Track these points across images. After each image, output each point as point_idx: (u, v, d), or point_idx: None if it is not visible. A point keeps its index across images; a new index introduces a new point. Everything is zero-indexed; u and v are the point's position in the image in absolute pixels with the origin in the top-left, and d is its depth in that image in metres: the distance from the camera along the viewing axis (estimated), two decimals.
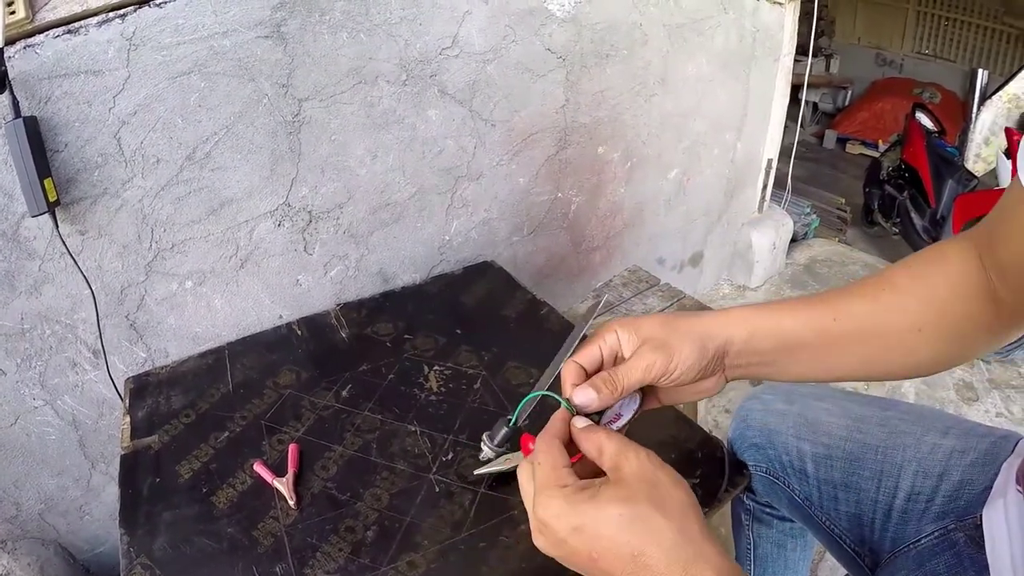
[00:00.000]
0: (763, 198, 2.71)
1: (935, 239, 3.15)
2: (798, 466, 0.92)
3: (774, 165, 2.66)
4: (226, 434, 0.97)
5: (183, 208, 1.15)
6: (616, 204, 2.00)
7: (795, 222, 3.03)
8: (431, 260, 1.54)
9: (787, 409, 0.97)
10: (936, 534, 0.76)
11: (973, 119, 3.16)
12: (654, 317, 0.61)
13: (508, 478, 0.88)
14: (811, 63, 3.00)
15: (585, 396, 0.56)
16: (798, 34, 2.44)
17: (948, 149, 3.28)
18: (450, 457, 0.93)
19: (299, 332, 1.21)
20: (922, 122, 3.44)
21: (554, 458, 0.51)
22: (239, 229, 1.20)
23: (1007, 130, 2.86)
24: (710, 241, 2.54)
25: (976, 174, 3.16)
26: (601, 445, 0.51)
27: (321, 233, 1.30)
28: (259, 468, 0.88)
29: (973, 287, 0.59)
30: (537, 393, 0.61)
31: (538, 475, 0.50)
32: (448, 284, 1.41)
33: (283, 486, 0.85)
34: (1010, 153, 2.77)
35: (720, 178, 2.40)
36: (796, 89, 2.69)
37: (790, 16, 2.32)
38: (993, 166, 3.09)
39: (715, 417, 2.24)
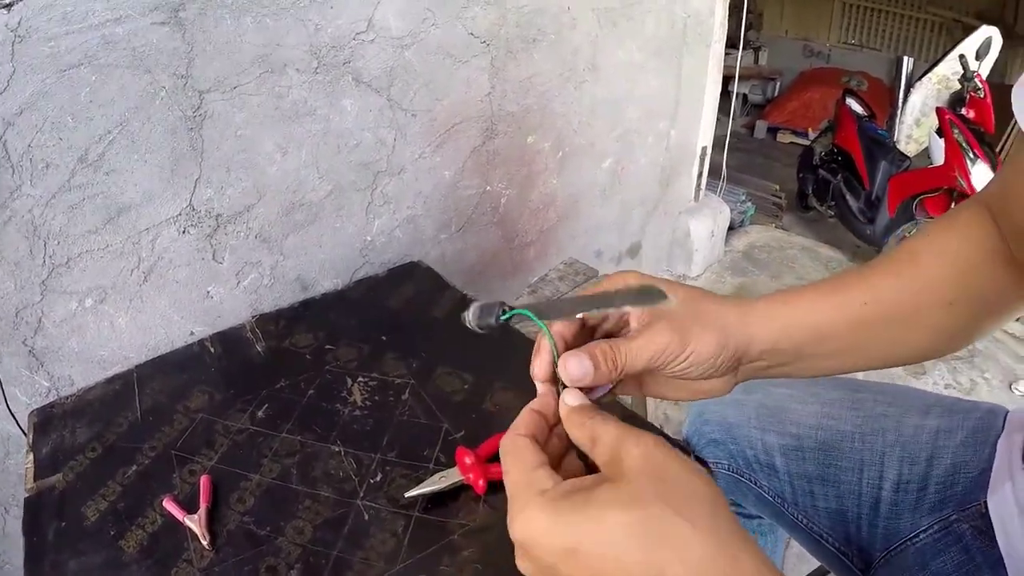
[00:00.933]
0: (699, 186, 2.78)
1: (871, 220, 3.33)
2: (765, 460, 0.88)
3: (708, 153, 2.74)
4: (134, 468, 0.92)
5: (77, 217, 1.09)
6: (549, 196, 2.01)
7: (731, 210, 3.14)
8: (353, 263, 1.51)
9: (746, 399, 0.93)
10: (936, 528, 0.72)
11: (900, 104, 3.35)
12: (676, 286, 0.52)
13: (444, 498, 0.86)
14: (740, 55, 3.16)
15: (580, 368, 0.46)
16: (727, 28, 2.53)
17: (879, 132, 3.47)
18: (379, 479, 0.90)
19: (212, 349, 1.16)
20: (852, 107, 3.64)
21: (523, 459, 0.42)
22: (140, 238, 1.15)
23: (939, 110, 3.05)
24: (648, 231, 2.59)
25: (908, 155, 3.37)
26: (595, 432, 0.42)
27: (230, 239, 1.26)
28: (169, 505, 0.84)
29: (994, 253, 0.57)
30: (534, 316, 0.50)
31: (508, 486, 0.41)
32: (372, 288, 1.38)
33: (195, 524, 0.81)
34: (942, 132, 2.93)
35: (655, 167, 2.44)
36: (726, 81, 2.83)
37: (720, 2, 2.40)
38: (925, 146, 3.29)
39: (665, 411, 2.28)
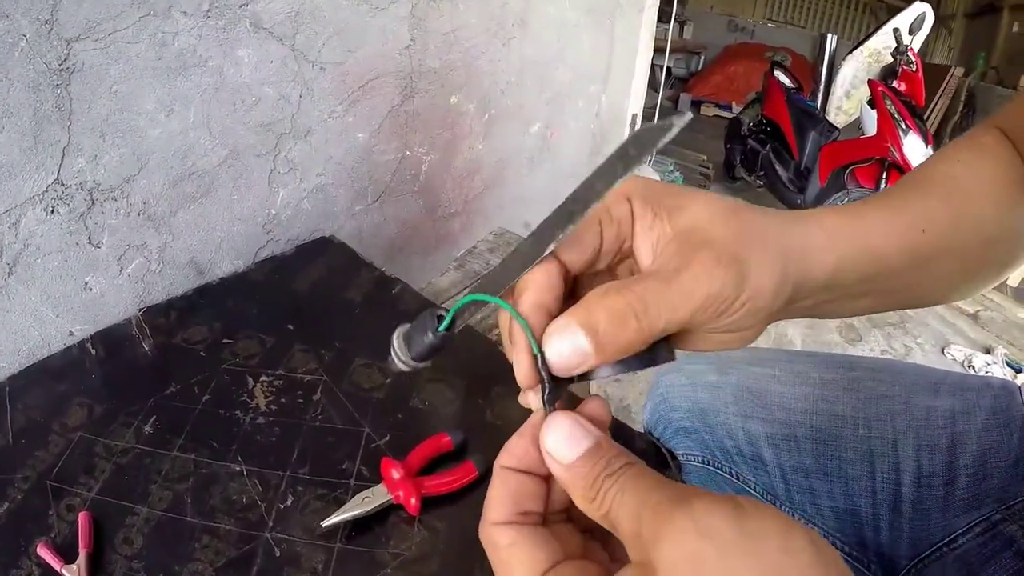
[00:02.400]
0: None
1: (801, 189, 3.50)
2: (750, 452, 0.82)
3: (639, 121, 2.76)
4: (6, 505, 0.80)
5: None
6: (474, 162, 1.94)
7: (660, 179, 3.18)
8: (255, 241, 1.39)
9: (722, 381, 0.87)
10: (978, 530, 0.66)
11: (823, 79, 3.57)
12: (698, 194, 0.38)
13: (371, 523, 0.79)
14: (670, 28, 3.29)
15: (571, 344, 0.32)
16: None
17: (807, 103, 3.66)
18: (289, 503, 0.82)
19: (93, 351, 1.04)
20: (781, 79, 3.83)
21: (526, 566, 0.31)
22: (0, 223, 1.00)
23: (871, 82, 3.23)
24: None
25: (838, 125, 3.54)
26: (611, 512, 0.30)
27: (108, 218, 1.12)
28: (44, 552, 0.73)
29: (1019, 175, 0.54)
30: (482, 297, 0.37)
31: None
32: (277, 268, 1.28)
33: (74, 575, 0.71)
34: (874, 104, 3.10)
35: (586, 133, 2.42)
36: (653, 54, 2.90)
37: None
38: (854, 117, 3.51)
39: (620, 397, 2.26)
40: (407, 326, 0.41)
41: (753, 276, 0.35)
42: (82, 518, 0.77)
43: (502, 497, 0.33)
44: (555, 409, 0.34)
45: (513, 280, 0.36)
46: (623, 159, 0.32)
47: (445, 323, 0.39)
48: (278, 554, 0.76)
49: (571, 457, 0.31)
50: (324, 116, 1.44)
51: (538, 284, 0.35)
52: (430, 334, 0.39)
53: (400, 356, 0.41)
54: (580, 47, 2.17)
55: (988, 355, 2.89)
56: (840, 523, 0.76)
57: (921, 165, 0.54)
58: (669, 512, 0.27)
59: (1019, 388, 0.73)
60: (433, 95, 1.69)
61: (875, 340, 2.90)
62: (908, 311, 3.10)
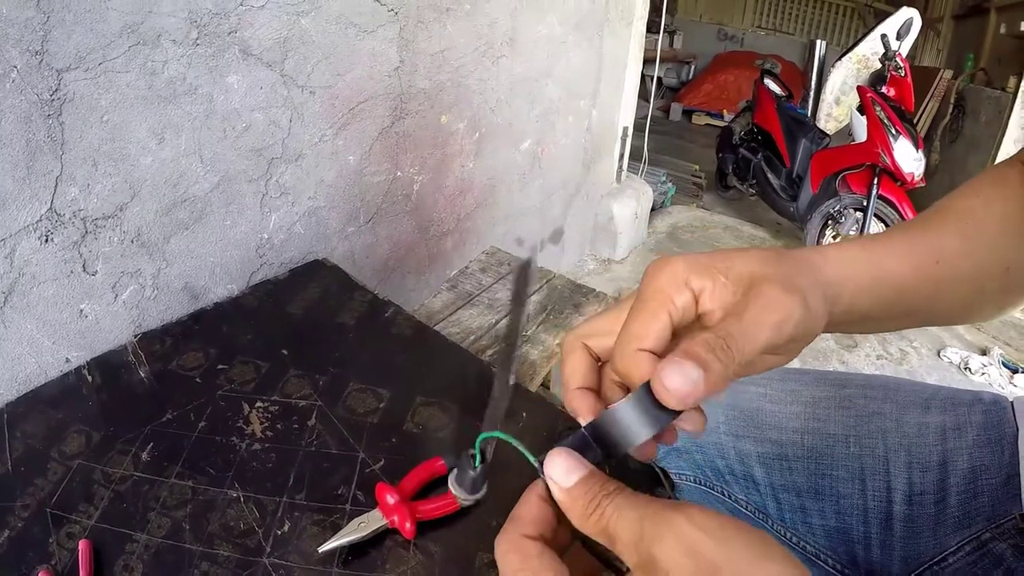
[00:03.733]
0: (620, 168, 2.82)
1: (793, 197, 3.52)
2: (741, 471, 0.82)
3: (630, 133, 2.78)
4: (7, 534, 0.81)
5: None
6: (465, 181, 1.96)
7: (652, 191, 3.20)
8: (249, 265, 1.40)
9: (712, 401, 0.89)
10: (968, 548, 0.67)
11: (813, 86, 3.60)
12: (741, 252, 0.43)
13: (367, 547, 0.80)
14: (661, 39, 3.32)
15: (682, 377, 0.35)
16: (648, 8, 2.63)
17: (798, 111, 3.68)
18: (286, 528, 0.82)
19: (90, 378, 1.06)
20: (771, 87, 3.86)
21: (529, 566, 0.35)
22: None
23: (860, 88, 3.25)
24: (570, 216, 2.58)
25: (828, 132, 3.56)
26: (610, 528, 0.35)
27: (102, 245, 1.13)
28: None
29: None
30: (494, 434, 0.46)
31: None
32: (271, 292, 1.30)
33: None
34: (864, 110, 3.12)
35: (577, 148, 2.44)
36: (643, 64, 2.92)
37: None
38: (844, 124, 3.52)
39: None
40: (455, 472, 0.51)
41: (810, 301, 0.40)
42: (82, 546, 0.78)
43: (534, 517, 0.38)
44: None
45: (502, 412, 0.46)
46: (518, 298, 0.45)
47: (476, 461, 0.51)
48: None
49: (570, 483, 0.37)
50: (314, 140, 1.46)
51: (641, 360, 0.40)
52: (470, 471, 0.52)
53: (461, 496, 0.53)
54: (569, 63, 2.20)
55: (984, 356, 2.90)
56: (831, 541, 0.77)
57: (944, 198, 0.58)
58: (669, 515, 0.32)
59: (1011, 404, 0.73)
60: (423, 115, 1.71)
61: (871, 346, 2.91)
62: None
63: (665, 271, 0.42)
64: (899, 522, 0.71)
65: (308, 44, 1.37)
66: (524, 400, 1.02)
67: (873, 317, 0.50)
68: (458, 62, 1.74)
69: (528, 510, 0.39)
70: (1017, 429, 0.69)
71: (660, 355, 0.40)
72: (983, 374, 2.80)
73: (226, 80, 1.25)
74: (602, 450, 0.40)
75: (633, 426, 0.38)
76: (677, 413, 0.37)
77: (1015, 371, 2.83)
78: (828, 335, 2.92)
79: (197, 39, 1.18)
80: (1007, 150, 2.99)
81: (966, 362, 2.85)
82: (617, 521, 0.34)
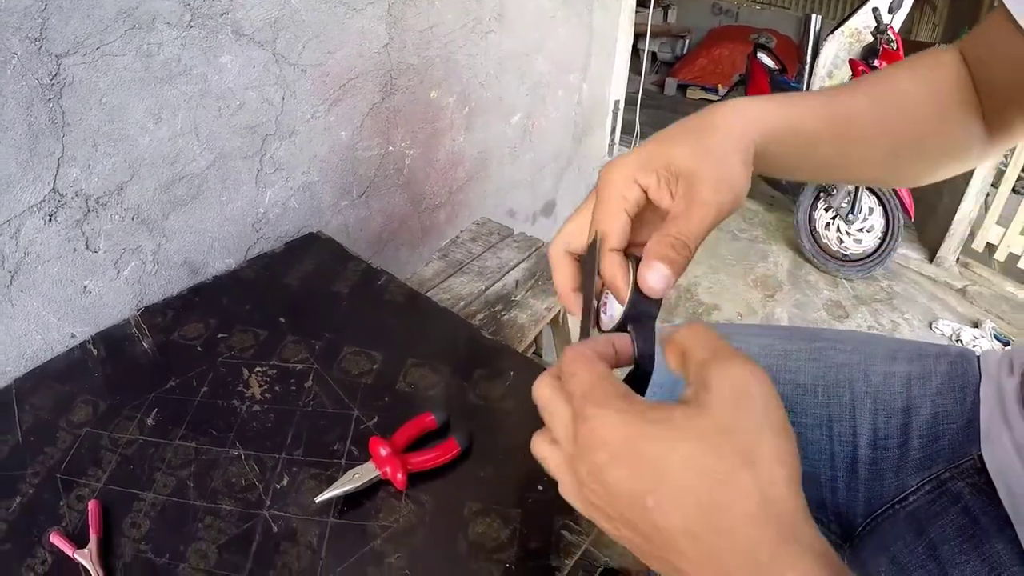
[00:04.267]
0: (612, 141, 2.83)
1: None
2: None
3: (621, 107, 2.80)
4: (18, 500, 0.87)
5: None
6: (456, 155, 2.00)
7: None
8: (246, 240, 1.46)
9: None
10: (928, 487, 0.70)
11: (808, 60, 3.60)
12: (673, 142, 0.50)
13: (361, 498, 0.86)
14: (651, 13, 3.30)
15: (659, 274, 0.45)
16: None
17: (791, 84, 3.68)
18: (285, 483, 0.89)
19: (95, 351, 1.12)
20: (764, 61, 3.84)
21: (595, 366, 0.41)
22: (1, 232, 1.06)
23: (852, 62, 3.27)
24: (562, 189, 2.61)
25: None
26: (687, 346, 0.41)
27: (104, 223, 1.19)
28: (56, 539, 0.80)
29: (966, 93, 0.62)
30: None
31: (576, 385, 0.40)
32: (268, 265, 1.35)
33: (86, 560, 0.78)
34: None
35: (567, 122, 2.47)
36: (636, 39, 2.94)
37: None
38: None
39: None
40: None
41: (739, 182, 0.48)
42: (91, 506, 0.84)
43: (601, 343, 0.45)
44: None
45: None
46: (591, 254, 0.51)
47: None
48: (276, 530, 0.83)
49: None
50: (307, 116, 1.50)
51: (615, 264, 0.49)
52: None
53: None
54: (558, 38, 2.22)
55: (976, 329, 2.93)
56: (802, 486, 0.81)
57: (879, 70, 0.65)
58: (740, 360, 0.39)
59: (977, 357, 0.76)
60: (413, 91, 1.75)
61: (862, 316, 2.95)
62: (895, 288, 3.15)
63: (615, 173, 0.50)
64: (864, 465, 0.75)
65: (298, 23, 1.40)
66: (511, 361, 1.08)
67: (790, 165, 0.58)
68: (447, 38, 1.77)
69: (595, 342, 0.45)
70: (980, 378, 0.73)
71: (626, 247, 0.49)
72: (974, 347, 2.82)
73: (220, 60, 1.28)
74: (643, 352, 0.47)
75: (646, 313, 0.47)
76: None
77: (1007, 344, 2.86)
78: (821, 307, 2.97)
79: (191, 21, 1.21)
80: None
81: (958, 334, 2.88)
82: (695, 342, 0.41)
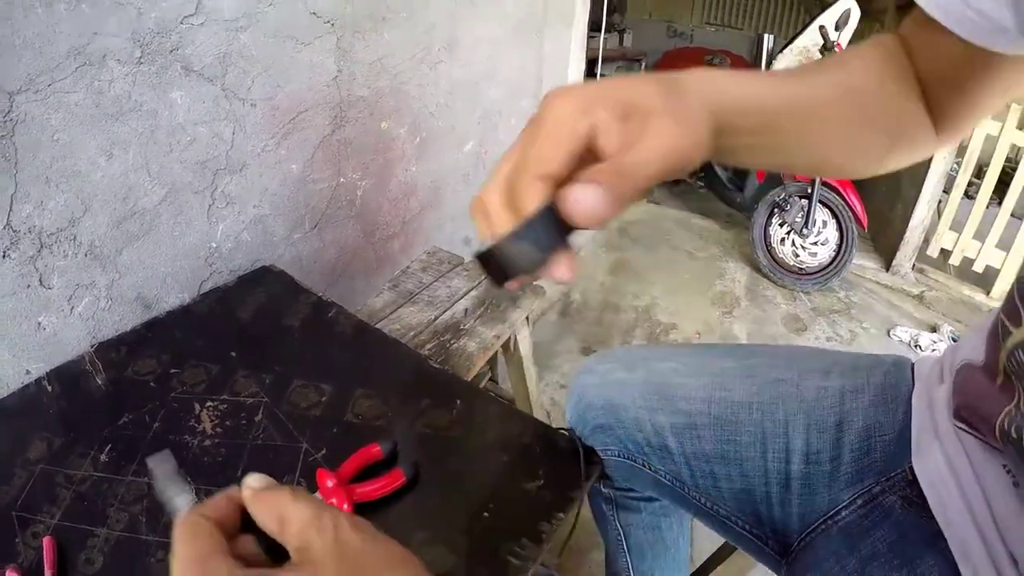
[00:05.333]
0: None
1: (740, 188, 3.63)
2: (657, 443, 0.88)
3: None
4: None
5: None
6: (409, 185, 2.05)
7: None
8: (199, 274, 1.49)
9: (629, 378, 0.94)
10: (860, 502, 0.72)
11: None
12: (637, 80, 0.45)
13: None
14: (605, 38, 3.38)
15: (585, 193, 0.39)
16: (591, 12, 2.72)
17: None
18: None
19: (49, 388, 1.14)
20: None
21: (197, 543, 0.41)
22: None
23: None
24: None
25: None
26: (282, 512, 0.41)
27: (57, 259, 1.21)
28: None
29: (910, 81, 0.60)
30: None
31: (176, 568, 0.41)
32: (220, 299, 1.38)
33: None
34: None
35: None
36: (592, 64, 3.01)
37: None
38: None
39: (551, 395, 2.39)
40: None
41: (701, 130, 0.44)
42: (46, 543, 0.86)
43: (214, 503, 0.45)
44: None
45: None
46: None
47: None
48: None
49: (262, 483, 0.46)
50: (258, 150, 1.54)
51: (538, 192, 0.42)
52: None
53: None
54: (510, 65, 2.30)
55: (934, 333, 3.01)
56: (739, 503, 0.83)
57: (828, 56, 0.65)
58: (328, 514, 0.41)
59: (911, 364, 0.80)
60: (363, 122, 1.80)
61: (820, 328, 3.03)
62: (852, 298, 3.25)
63: (567, 101, 0.43)
64: (797, 481, 0.77)
65: (247, 58, 1.45)
66: (458, 389, 1.12)
67: (752, 143, 0.52)
68: (396, 69, 1.83)
69: (212, 501, 0.45)
70: (913, 386, 0.76)
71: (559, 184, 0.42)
72: (933, 351, 2.89)
73: (170, 96, 1.32)
74: (495, 277, 0.43)
75: (536, 246, 0.41)
76: (567, 242, 0.41)
77: None
78: (779, 320, 3.06)
79: (141, 58, 1.25)
80: None
81: (916, 340, 2.95)
82: (293, 508, 0.41)
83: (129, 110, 1.26)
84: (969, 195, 3.38)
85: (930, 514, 0.64)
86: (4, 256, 1.14)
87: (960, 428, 0.64)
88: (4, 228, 1.13)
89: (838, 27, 3.35)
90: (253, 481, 0.44)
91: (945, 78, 0.59)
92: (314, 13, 1.56)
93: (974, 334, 0.67)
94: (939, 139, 0.63)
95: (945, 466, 0.64)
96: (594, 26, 2.80)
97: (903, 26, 0.62)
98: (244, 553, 0.42)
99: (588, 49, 2.82)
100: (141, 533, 0.89)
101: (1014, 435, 0.55)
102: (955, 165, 3.37)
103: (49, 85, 1.13)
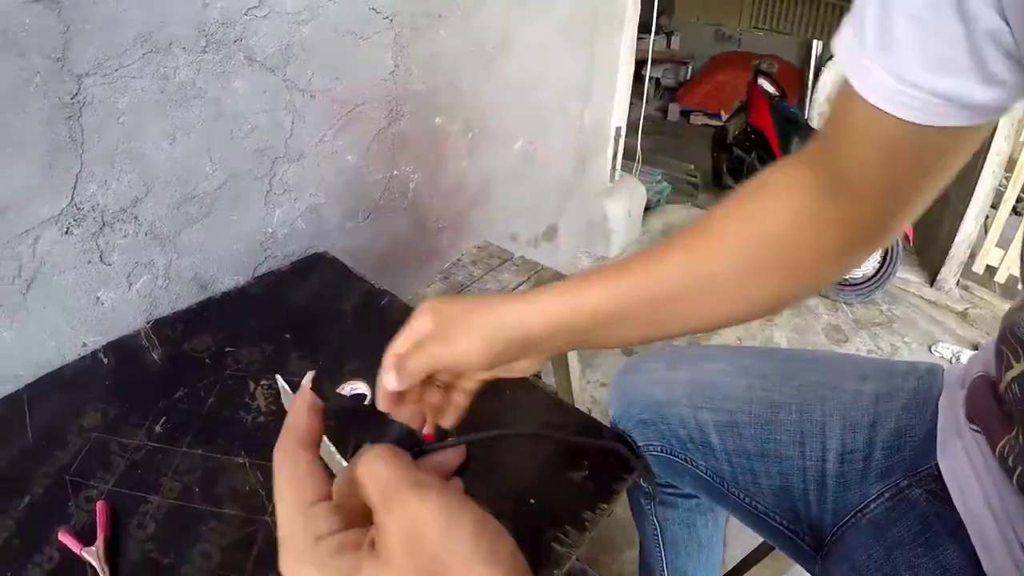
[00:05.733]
0: (614, 167, 2.88)
1: None
2: (700, 439, 0.89)
3: (623, 134, 2.84)
4: (27, 499, 0.90)
5: None
6: (460, 180, 2.05)
7: (647, 190, 3.27)
8: (254, 258, 1.50)
9: (674, 376, 0.95)
10: (887, 495, 0.74)
11: (811, 85, 3.60)
12: (458, 302, 0.59)
13: None
14: (653, 40, 3.34)
15: (386, 377, 0.56)
16: (639, 11, 2.65)
17: (791, 110, 3.70)
18: None
19: (105, 360, 1.15)
20: (764, 87, 3.87)
21: (302, 487, 0.38)
22: (19, 243, 1.11)
23: None
24: (564, 213, 2.66)
25: None
26: (365, 486, 0.36)
27: (118, 237, 1.23)
28: (64, 537, 0.83)
29: (807, 214, 0.55)
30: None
31: (279, 514, 0.38)
32: (274, 283, 1.39)
33: (93, 557, 0.81)
34: None
35: (569, 148, 2.52)
36: (640, 65, 2.97)
37: None
38: None
39: (592, 393, 2.37)
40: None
41: (455, 345, 0.56)
42: (99, 507, 0.87)
43: (307, 428, 0.42)
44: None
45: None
46: None
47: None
48: (276, 535, 0.86)
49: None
50: (315, 140, 1.55)
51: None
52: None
53: None
54: (560, 66, 2.28)
55: (976, 351, 2.91)
56: (777, 499, 0.85)
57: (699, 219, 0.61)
58: (406, 491, 0.34)
59: (942, 371, 0.80)
60: (418, 117, 1.80)
61: (862, 340, 2.96)
62: (895, 311, 3.18)
63: (424, 305, 0.60)
64: (832, 478, 0.79)
65: (308, 50, 1.45)
66: (508, 379, 1.10)
67: (581, 339, 0.61)
68: (451, 66, 1.83)
69: (309, 424, 0.42)
70: (941, 390, 0.77)
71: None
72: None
73: (232, 85, 1.34)
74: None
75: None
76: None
77: None
78: (820, 331, 2.99)
79: (205, 47, 1.27)
80: (997, 147, 3.02)
81: (957, 357, 2.86)
82: (370, 474, 0.36)
83: (193, 97, 1.28)
84: (1017, 211, 3.26)
85: (952, 507, 0.66)
86: (67, 232, 1.16)
87: (973, 429, 0.66)
88: (68, 205, 1.15)
89: None
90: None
91: (872, 175, 0.52)
92: (373, 9, 1.56)
93: (993, 346, 0.67)
94: (862, 245, 0.58)
95: (966, 462, 0.66)
96: (642, 28, 2.76)
97: (809, 146, 0.58)
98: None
99: (636, 51, 2.78)
100: (194, 502, 0.90)
101: (1011, 464, 0.57)
102: (1004, 180, 3.27)
103: (116, 70, 1.15)
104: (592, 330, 0.58)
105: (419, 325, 0.59)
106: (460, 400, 0.64)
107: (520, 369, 0.62)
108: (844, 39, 0.49)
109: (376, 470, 0.36)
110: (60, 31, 1.06)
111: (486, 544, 0.32)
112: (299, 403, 0.43)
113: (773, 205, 0.57)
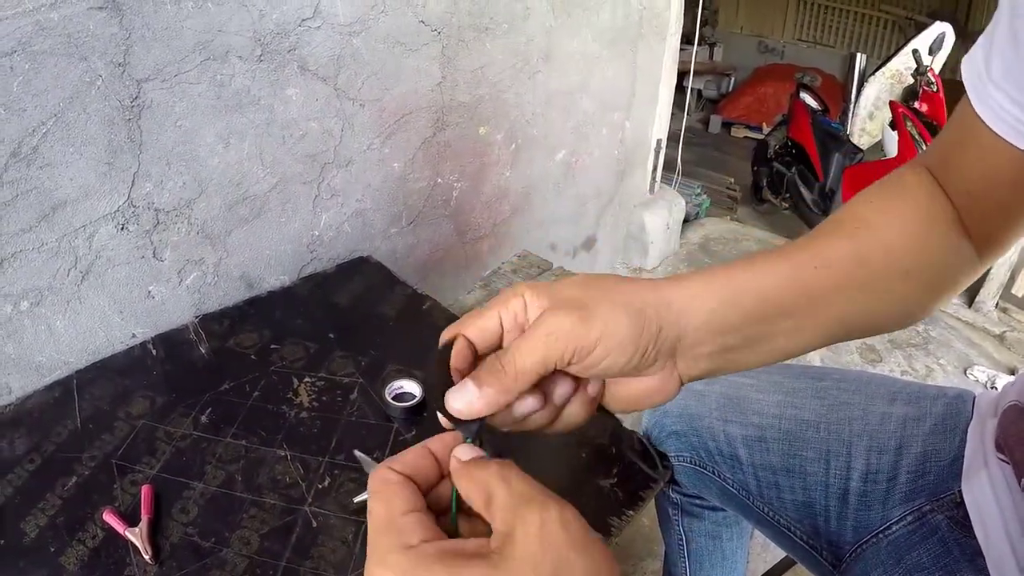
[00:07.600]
0: (654, 179, 2.84)
1: (825, 211, 3.47)
2: (728, 452, 0.89)
3: (663, 146, 2.80)
4: (74, 479, 0.91)
5: (11, 215, 1.06)
6: (502, 189, 2.03)
7: (686, 202, 3.21)
8: (300, 259, 1.50)
9: (707, 389, 0.94)
10: (910, 519, 0.72)
11: (853, 99, 3.48)
12: (575, 277, 0.46)
13: None
14: (696, 51, 3.26)
15: (462, 398, 0.41)
16: (683, 24, 2.60)
17: (833, 125, 3.60)
18: (327, 484, 0.92)
19: (154, 352, 1.16)
20: (806, 101, 3.77)
21: (390, 500, 0.36)
22: (76, 236, 1.12)
23: (892, 103, 3.17)
24: (603, 224, 2.63)
25: (861, 147, 3.49)
26: (491, 490, 0.35)
27: (171, 235, 1.24)
28: (109, 517, 0.84)
29: (945, 216, 0.53)
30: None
31: (369, 531, 0.36)
32: (319, 284, 1.39)
33: (137, 537, 0.81)
34: (895, 125, 3.05)
35: (610, 159, 2.49)
36: (681, 76, 2.91)
37: None
38: (878, 139, 3.43)
39: None
40: None
41: (599, 319, 0.41)
42: (144, 490, 0.87)
43: (410, 460, 0.39)
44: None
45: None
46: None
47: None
48: (314, 525, 0.85)
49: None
50: (363, 148, 1.55)
51: (457, 355, 0.43)
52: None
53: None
54: (603, 77, 2.25)
55: (1012, 376, 2.81)
56: (799, 514, 0.83)
57: (839, 209, 0.56)
58: (543, 501, 0.34)
59: (973, 397, 0.78)
60: (463, 127, 1.79)
61: (896, 361, 2.86)
62: (931, 332, 3.07)
63: (515, 287, 0.45)
64: (854, 496, 0.78)
65: (359, 61, 1.45)
66: None
67: (749, 334, 0.48)
68: (496, 77, 1.82)
69: (404, 454, 0.40)
70: (971, 417, 0.75)
71: (482, 347, 0.44)
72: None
73: (285, 92, 1.34)
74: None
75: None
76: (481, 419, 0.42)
77: None
78: (854, 350, 2.90)
79: (261, 56, 1.27)
80: None
81: (993, 381, 2.75)
82: (500, 486, 0.35)
83: (248, 103, 1.28)
84: None
85: (973, 534, 0.64)
86: (123, 228, 1.17)
87: (1001, 459, 0.65)
88: (125, 203, 1.16)
89: (932, 51, 3.16)
90: (461, 453, 0.39)
91: (991, 196, 0.51)
92: (423, 21, 1.56)
93: None
94: (982, 262, 0.56)
95: (990, 492, 0.64)
96: (685, 39, 2.71)
97: (927, 152, 0.57)
98: (446, 503, 0.39)
99: (679, 62, 2.73)
100: (236, 490, 0.90)
101: None
102: None
103: (175, 76, 1.16)
104: (746, 328, 0.47)
105: (518, 307, 0.44)
106: (579, 411, 0.48)
107: (648, 391, 0.47)
108: (973, 60, 0.49)
109: (511, 476, 0.36)
110: (122, 37, 1.08)
111: (605, 569, 0.33)
112: (419, 445, 0.41)
113: (917, 209, 0.53)
